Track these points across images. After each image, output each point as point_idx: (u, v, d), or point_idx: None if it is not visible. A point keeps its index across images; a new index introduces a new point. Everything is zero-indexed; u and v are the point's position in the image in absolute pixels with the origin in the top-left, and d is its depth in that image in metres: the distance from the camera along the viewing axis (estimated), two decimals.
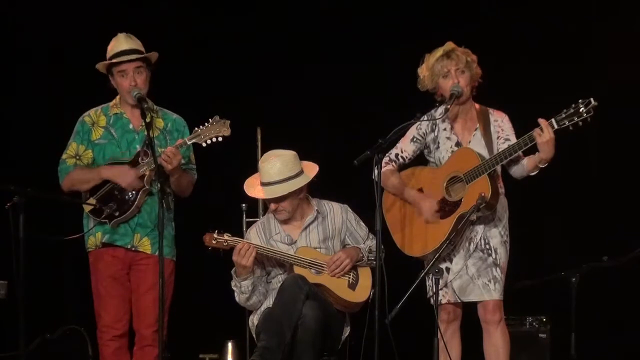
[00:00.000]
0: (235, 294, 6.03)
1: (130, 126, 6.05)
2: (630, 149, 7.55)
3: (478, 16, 7.71)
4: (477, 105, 5.92)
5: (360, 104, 7.92)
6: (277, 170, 5.94)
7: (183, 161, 5.95)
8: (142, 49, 5.99)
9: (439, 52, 5.80)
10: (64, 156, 6.06)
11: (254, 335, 6.08)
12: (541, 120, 5.59)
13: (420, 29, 7.61)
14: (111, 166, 5.96)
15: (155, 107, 6.07)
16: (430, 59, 5.81)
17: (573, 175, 7.60)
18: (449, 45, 5.80)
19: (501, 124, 5.86)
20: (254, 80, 8.10)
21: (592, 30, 7.62)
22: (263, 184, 5.99)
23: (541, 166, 5.72)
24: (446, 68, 5.76)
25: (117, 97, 6.08)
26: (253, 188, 6.06)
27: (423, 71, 5.85)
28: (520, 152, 5.70)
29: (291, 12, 8.13)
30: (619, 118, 7.35)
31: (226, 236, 5.97)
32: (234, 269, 5.97)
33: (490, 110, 5.91)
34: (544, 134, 5.56)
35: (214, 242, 5.95)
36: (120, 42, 5.97)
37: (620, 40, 7.49)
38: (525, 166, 5.77)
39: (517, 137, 5.75)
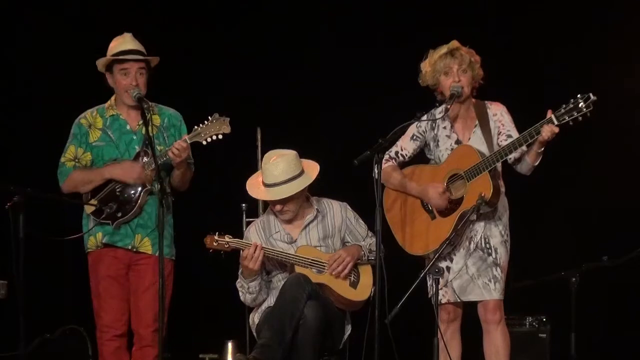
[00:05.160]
0: (241, 293, 6.02)
1: (128, 127, 6.04)
2: (630, 148, 7.55)
3: (477, 16, 7.72)
4: (474, 101, 5.89)
5: (361, 103, 7.91)
6: (281, 170, 5.91)
7: None
8: (145, 52, 5.99)
9: (443, 49, 5.78)
10: (62, 159, 6.04)
11: (255, 334, 6.07)
12: (549, 112, 5.54)
13: (420, 29, 7.61)
14: (114, 165, 5.95)
15: (150, 103, 6.06)
16: (434, 56, 5.80)
17: (573, 175, 7.60)
18: (454, 43, 5.78)
19: (500, 118, 5.83)
20: (254, 80, 8.09)
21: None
22: (267, 185, 5.95)
23: (539, 151, 5.66)
24: (448, 66, 5.75)
25: (112, 97, 6.06)
26: (256, 189, 6.03)
27: (425, 66, 5.84)
28: (525, 148, 5.67)
29: (291, 12, 8.13)
30: (620, 117, 7.34)
31: (227, 238, 5.95)
32: (240, 270, 5.96)
33: (488, 104, 5.89)
34: (549, 131, 5.50)
35: (215, 244, 5.93)
36: (127, 41, 5.97)
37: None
38: (527, 161, 5.73)
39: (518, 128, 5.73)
